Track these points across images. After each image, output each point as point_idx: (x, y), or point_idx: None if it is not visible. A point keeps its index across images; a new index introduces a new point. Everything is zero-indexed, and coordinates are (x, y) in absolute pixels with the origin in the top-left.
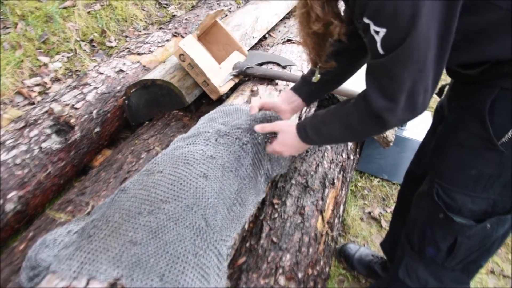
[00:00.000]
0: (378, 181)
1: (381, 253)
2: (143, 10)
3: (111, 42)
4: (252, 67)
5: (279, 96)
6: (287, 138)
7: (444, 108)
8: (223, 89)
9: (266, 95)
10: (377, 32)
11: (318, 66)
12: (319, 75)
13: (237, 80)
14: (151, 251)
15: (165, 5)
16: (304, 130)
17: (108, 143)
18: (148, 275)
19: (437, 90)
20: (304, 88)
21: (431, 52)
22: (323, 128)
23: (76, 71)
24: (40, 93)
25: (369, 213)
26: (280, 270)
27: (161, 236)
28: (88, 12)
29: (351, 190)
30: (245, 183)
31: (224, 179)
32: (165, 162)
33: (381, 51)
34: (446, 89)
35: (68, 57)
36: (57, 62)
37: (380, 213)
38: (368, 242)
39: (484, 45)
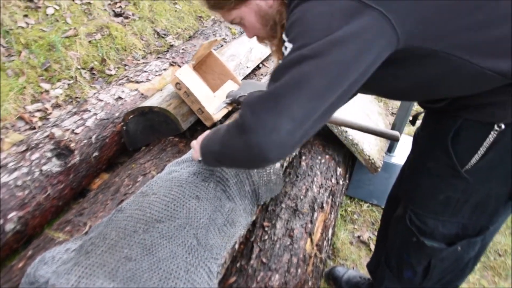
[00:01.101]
0: (368, 206)
1: (368, 275)
2: (142, 39)
3: (111, 70)
4: (245, 95)
5: None
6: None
7: (418, 136)
8: (217, 116)
9: None
10: (286, 48)
11: None
12: None
13: (230, 108)
14: (145, 267)
15: (163, 35)
16: (202, 149)
17: (106, 167)
18: None
19: (410, 118)
20: None
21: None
22: (208, 142)
23: (76, 97)
24: (41, 119)
25: (359, 237)
26: None
27: (155, 253)
28: (89, 41)
29: (341, 214)
30: (235, 205)
31: (215, 200)
32: (159, 185)
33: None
34: (420, 116)
35: (68, 84)
36: (58, 88)
37: (369, 237)
38: (357, 265)
39: (439, 90)
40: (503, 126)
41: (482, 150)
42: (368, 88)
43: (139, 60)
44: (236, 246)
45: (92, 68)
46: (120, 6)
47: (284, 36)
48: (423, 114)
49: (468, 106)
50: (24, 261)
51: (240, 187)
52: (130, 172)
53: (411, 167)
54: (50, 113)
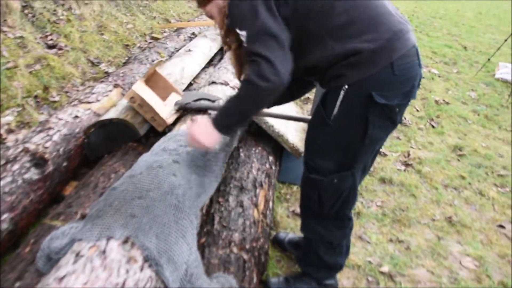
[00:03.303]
0: (297, 188)
1: None
2: (78, 68)
3: (54, 97)
4: (190, 103)
5: None
6: (201, 126)
7: None
8: (170, 120)
9: None
10: (241, 35)
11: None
12: None
13: (179, 114)
14: (146, 221)
15: (96, 64)
16: (216, 118)
17: (73, 176)
18: (147, 236)
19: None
20: None
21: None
22: (225, 109)
23: (28, 122)
24: None
25: (293, 211)
26: (233, 244)
27: (151, 211)
28: (30, 72)
29: (276, 196)
30: (204, 178)
31: (188, 176)
32: (142, 168)
33: (246, 45)
34: None
35: (17, 111)
36: (8, 116)
37: None
38: (294, 232)
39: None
40: (346, 87)
41: (337, 104)
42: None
43: (78, 87)
44: (200, 219)
45: (36, 96)
46: (51, 39)
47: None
48: None
49: (330, 79)
50: (29, 247)
51: (208, 165)
52: (103, 172)
53: (306, 141)
54: (5, 138)
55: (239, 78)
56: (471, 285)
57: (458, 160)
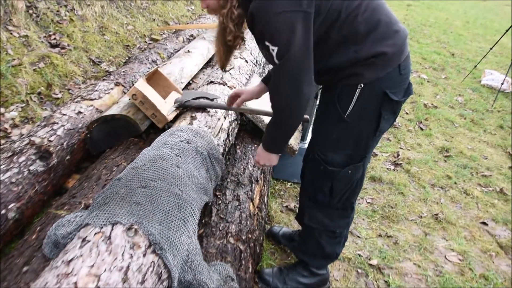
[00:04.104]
0: (290, 184)
1: (297, 230)
2: (80, 67)
3: (57, 94)
4: (189, 100)
5: (249, 84)
6: (259, 153)
7: (318, 106)
8: (170, 117)
9: (203, 119)
10: (273, 50)
11: (223, 70)
12: None
13: (178, 111)
14: (150, 208)
15: (98, 63)
16: (265, 145)
17: (76, 170)
18: (151, 222)
19: (314, 95)
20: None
21: (305, 55)
22: (269, 135)
23: (32, 118)
24: (2, 137)
25: (287, 206)
26: (229, 235)
27: (155, 200)
28: (34, 69)
29: (271, 192)
30: (205, 169)
31: (189, 169)
32: (145, 160)
33: (276, 61)
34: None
35: (21, 107)
36: (13, 111)
37: (295, 205)
38: (288, 226)
39: (326, 59)
40: (362, 85)
41: (353, 101)
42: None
43: (80, 85)
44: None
45: (40, 93)
46: (55, 38)
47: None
48: (321, 91)
49: (342, 78)
50: (36, 234)
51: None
52: (105, 165)
53: (315, 123)
54: (10, 132)
55: (222, 68)
56: (455, 277)
57: (445, 161)
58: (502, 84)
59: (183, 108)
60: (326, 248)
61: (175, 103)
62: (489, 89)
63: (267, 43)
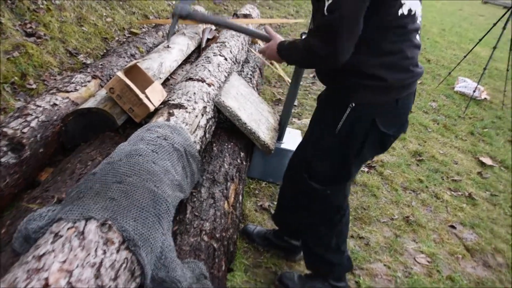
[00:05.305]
0: (265, 184)
1: (271, 228)
2: (56, 58)
3: (31, 85)
4: (194, 12)
5: (228, 82)
6: (272, 45)
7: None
8: (151, 107)
9: (180, 115)
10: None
11: None
12: None
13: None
14: (125, 204)
15: (75, 54)
16: (281, 46)
17: (49, 163)
18: (125, 218)
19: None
20: None
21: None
22: (291, 46)
23: (4, 108)
24: None
25: (261, 205)
26: (203, 232)
27: (130, 195)
28: (8, 58)
29: (246, 191)
30: (181, 166)
31: (165, 165)
32: (121, 156)
33: (325, 12)
34: None
35: None
36: None
37: (269, 205)
38: (262, 225)
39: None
40: (353, 105)
41: (343, 119)
42: None
43: (55, 76)
44: None
45: (13, 83)
46: (31, 27)
47: None
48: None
49: (341, 85)
50: (5, 228)
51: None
52: (80, 159)
53: (311, 124)
54: None
55: None
56: (423, 279)
57: (417, 165)
58: (474, 91)
59: (185, 19)
60: (325, 257)
61: (173, 16)
62: (461, 96)
63: None
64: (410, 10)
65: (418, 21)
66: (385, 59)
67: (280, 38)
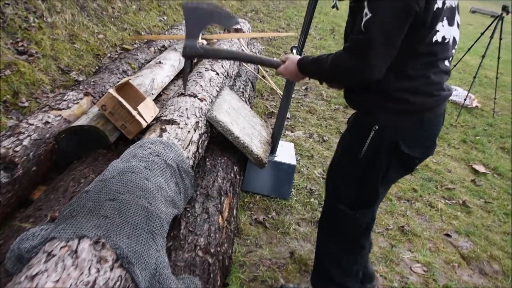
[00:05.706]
0: (260, 197)
1: None
2: (48, 75)
3: (24, 103)
4: (204, 47)
5: (220, 96)
6: (289, 64)
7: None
8: (144, 124)
9: (172, 131)
10: (366, 14)
11: None
12: None
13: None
14: (118, 222)
15: (67, 72)
16: (303, 61)
17: (42, 181)
18: (119, 236)
19: None
20: None
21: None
22: (313, 62)
23: None
24: None
25: (256, 219)
26: (198, 248)
27: (123, 213)
28: (0, 77)
29: (240, 205)
30: (174, 182)
31: (158, 182)
32: (113, 173)
33: (362, 28)
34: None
35: None
36: None
37: (264, 218)
38: (257, 239)
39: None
40: (377, 127)
41: (367, 142)
42: None
43: (48, 93)
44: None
45: (5, 101)
46: (22, 45)
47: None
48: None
49: (365, 105)
50: None
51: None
52: (73, 177)
53: (339, 146)
54: None
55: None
56: None
57: (411, 174)
58: (465, 99)
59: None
60: (334, 277)
61: (185, 59)
62: (453, 104)
63: (365, 3)
64: (444, 38)
65: (451, 50)
66: (410, 83)
67: (295, 57)
